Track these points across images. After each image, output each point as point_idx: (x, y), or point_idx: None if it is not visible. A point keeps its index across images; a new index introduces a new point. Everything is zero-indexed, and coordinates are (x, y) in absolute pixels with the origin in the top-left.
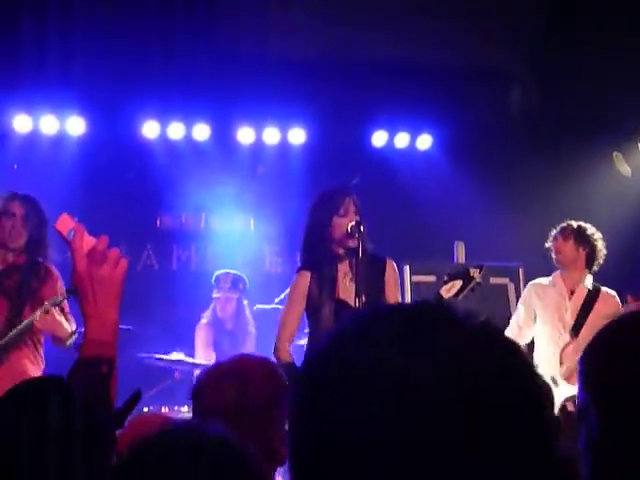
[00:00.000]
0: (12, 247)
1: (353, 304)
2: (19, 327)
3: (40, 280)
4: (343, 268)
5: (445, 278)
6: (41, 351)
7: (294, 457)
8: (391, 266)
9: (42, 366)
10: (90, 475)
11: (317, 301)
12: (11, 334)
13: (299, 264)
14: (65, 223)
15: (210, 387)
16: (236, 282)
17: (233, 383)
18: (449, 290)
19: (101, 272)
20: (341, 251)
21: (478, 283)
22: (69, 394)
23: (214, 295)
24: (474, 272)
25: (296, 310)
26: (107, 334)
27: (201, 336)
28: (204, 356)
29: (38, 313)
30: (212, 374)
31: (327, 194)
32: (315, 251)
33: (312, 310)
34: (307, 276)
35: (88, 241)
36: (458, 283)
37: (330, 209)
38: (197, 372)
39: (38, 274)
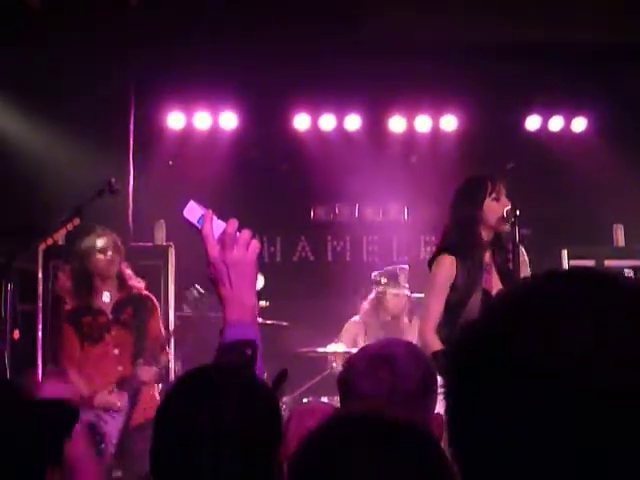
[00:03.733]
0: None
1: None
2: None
3: (149, 312)
4: (486, 255)
5: None
6: None
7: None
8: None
9: None
10: (266, 463)
11: (464, 289)
12: None
13: (441, 248)
14: (193, 211)
15: (362, 373)
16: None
17: (386, 367)
18: None
19: (233, 256)
20: (489, 236)
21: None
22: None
23: (393, 292)
24: None
25: (444, 298)
26: (246, 317)
27: (349, 332)
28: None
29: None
30: (362, 359)
31: (476, 178)
32: (465, 235)
33: (457, 299)
34: (453, 261)
35: (218, 226)
36: None
37: (482, 192)
38: None
39: (146, 306)
